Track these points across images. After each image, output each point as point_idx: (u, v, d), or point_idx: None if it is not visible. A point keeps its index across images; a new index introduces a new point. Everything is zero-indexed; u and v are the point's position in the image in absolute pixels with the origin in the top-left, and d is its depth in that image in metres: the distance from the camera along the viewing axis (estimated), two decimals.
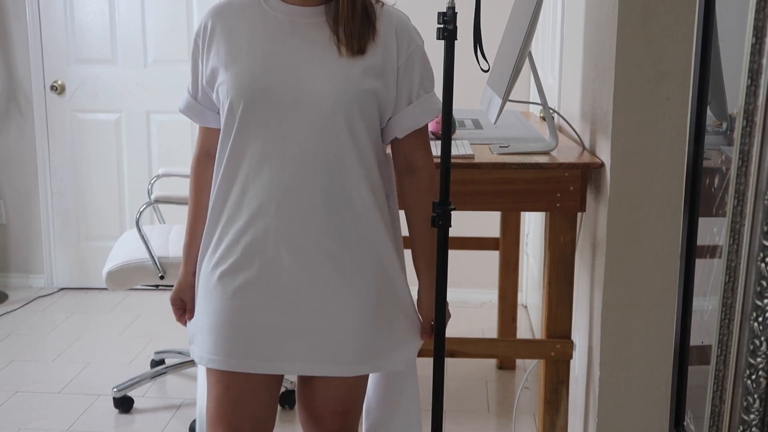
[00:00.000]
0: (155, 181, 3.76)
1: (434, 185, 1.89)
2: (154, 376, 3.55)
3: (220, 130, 1.88)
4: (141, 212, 3.17)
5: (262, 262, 1.80)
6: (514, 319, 3.70)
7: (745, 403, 1.13)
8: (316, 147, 1.76)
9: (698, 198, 1.53)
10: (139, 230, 3.12)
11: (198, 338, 1.88)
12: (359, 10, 1.76)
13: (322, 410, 1.95)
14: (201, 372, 2.06)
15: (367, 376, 1.96)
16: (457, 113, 3.11)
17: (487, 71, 2.01)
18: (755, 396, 1.12)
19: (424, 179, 1.91)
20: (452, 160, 1.96)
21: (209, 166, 1.93)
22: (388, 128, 1.88)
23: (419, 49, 1.84)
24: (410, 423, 2.04)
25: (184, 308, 2.00)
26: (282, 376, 1.92)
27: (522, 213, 3.88)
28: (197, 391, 2.87)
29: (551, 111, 2.73)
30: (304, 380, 1.96)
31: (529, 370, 3.33)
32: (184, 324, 2.01)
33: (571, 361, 2.62)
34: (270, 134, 1.77)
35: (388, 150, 1.96)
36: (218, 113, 1.89)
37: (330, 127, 1.76)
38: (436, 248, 1.84)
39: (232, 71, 1.78)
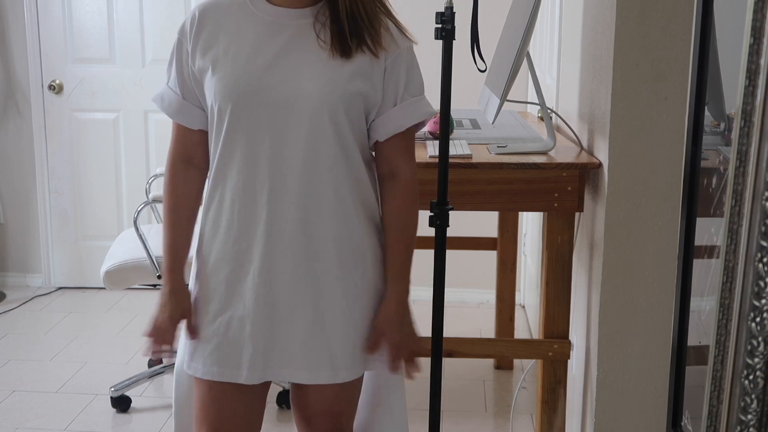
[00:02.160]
0: (153, 180, 3.76)
1: (413, 194, 1.84)
2: (151, 376, 3.55)
3: (201, 132, 1.86)
4: (139, 212, 3.17)
5: (255, 273, 1.79)
6: (511, 319, 3.71)
7: (742, 404, 1.13)
8: (304, 150, 1.75)
9: (696, 198, 1.53)
10: (137, 229, 3.12)
11: (196, 348, 1.87)
12: (360, 12, 1.74)
13: (313, 411, 1.95)
14: (177, 376, 2.03)
15: (360, 378, 1.96)
16: (455, 113, 3.12)
17: (483, 71, 2.02)
18: (753, 396, 1.12)
19: (403, 186, 1.84)
20: (450, 160, 1.96)
21: (189, 173, 1.88)
22: (372, 130, 1.84)
23: (407, 51, 1.81)
24: (396, 423, 2.04)
25: (170, 336, 1.86)
26: None
27: (520, 213, 3.88)
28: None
29: (549, 111, 2.73)
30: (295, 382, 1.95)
31: (527, 370, 3.33)
32: (161, 355, 1.89)
33: (569, 361, 2.63)
34: (258, 138, 1.76)
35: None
36: (205, 112, 1.86)
37: (317, 130, 1.74)
38: (407, 262, 1.82)
39: (219, 74, 1.77)
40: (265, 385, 1.92)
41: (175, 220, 1.88)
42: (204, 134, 1.86)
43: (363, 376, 1.97)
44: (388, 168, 1.86)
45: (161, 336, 1.85)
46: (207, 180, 1.86)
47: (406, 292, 1.85)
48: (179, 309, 1.85)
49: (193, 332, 1.85)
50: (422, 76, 1.84)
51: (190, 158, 1.88)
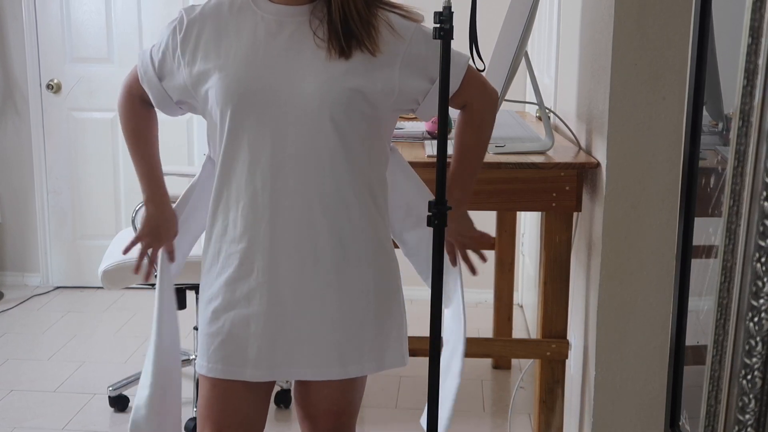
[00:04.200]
0: None
1: (483, 120, 1.95)
2: None
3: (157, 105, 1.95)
4: (137, 211, 3.16)
5: (261, 270, 1.79)
6: (509, 319, 3.70)
7: (740, 403, 1.13)
8: (306, 148, 1.75)
9: (694, 198, 1.53)
10: (135, 229, 3.11)
11: (202, 345, 1.87)
12: (352, 14, 1.74)
13: (316, 409, 1.96)
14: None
15: (364, 378, 1.96)
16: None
17: (482, 71, 2.01)
18: (751, 396, 1.12)
19: (472, 113, 1.93)
20: (448, 160, 1.96)
21: (144, 106, 1.97)
22: (425, 109, 1.88)
23: (418, 31, 1.81)
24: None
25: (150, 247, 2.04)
26: None
27: (518, 213, 3.88)
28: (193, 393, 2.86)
29: (547, 111, 2.72)
30: (299, 380, 1.96)
31: (525, 370, 3.34)
32: (144, 274, 2.05)
33: (567, 360, 2.62)
34: (260, 138, 1.76)
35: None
36: (178, 105, 1.91)
37: (318, 128, 1.75)
38: (470, 179, 1.99)
39: (220, 75, 1.77)
40: (270, 384, 1.92)
41: (143, 148, 2.01)
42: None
43: (366, 377, 1.97)
44: (461, 105, 1.94)
45: (146, 246, 2.05)
46: (213, 181, 1.86)
47: (465, 200, 2.01)
48: (156, 226, 2.04)
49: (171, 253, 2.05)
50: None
51: (143, 98, 1.97)
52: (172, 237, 2.03)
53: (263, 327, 1.80)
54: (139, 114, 1.99)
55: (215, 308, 1.83)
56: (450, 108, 1.92)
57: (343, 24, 1.74)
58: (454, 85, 1.86)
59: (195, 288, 3.05)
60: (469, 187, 2.01)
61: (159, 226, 2.03)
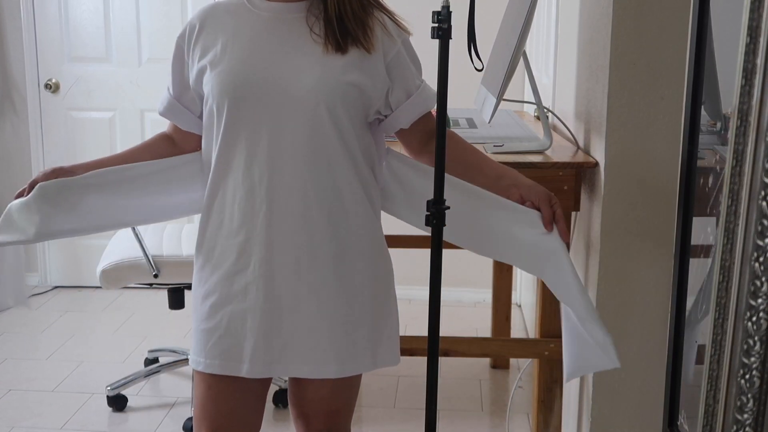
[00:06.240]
0: None
1: (453, 138, 1.94)
2: (147, 375, 3.55)
3: (192, 134, 1.93)
4: None
5: (258, 263, 1.79)
6: (507, 319, 3.71)
7: (738, 403, 1.13)
8: (302, 143, 1.76)
9: (692, 197, 1.53)
10: (133, 229, 3.11)
11: (199, 342, 1.88)
12: (347, 13, 1.76)
13: (309, 409, 1.96)
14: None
15: (359, 377, 1.96)
16: (451, 112, 3.11)
17: (481, 70, 2.01)
18: (749, 395, 1.12)
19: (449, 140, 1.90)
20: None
21: (167, 143, 1.98)
22: (392, 121, 1.88)
23: (404, 44, 1.85)
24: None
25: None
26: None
27: None
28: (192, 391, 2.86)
29: (545, 110, 2.72)
30: (293, 379, 1.96)
31: (523, 370, 3.34)
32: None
33: None
34: (256, 132, 1.77)
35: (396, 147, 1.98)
36: (200, 118, 1.91)
37: (314, 122, 1.76)
38: (492, 166, 1.94)
39: (216, 71, 1.79)
40: (265, 385, 1.92)
41: (132, 156, 1.95)
42: (188, 134, 1.95)
43: (361, 375, 1.97)
44: (426, 136, 1.93)
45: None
46: (208, 177, 1.86)
47: (509, 173, 1.95)
48: (50, 175, 1.86)
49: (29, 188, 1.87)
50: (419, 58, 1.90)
51: (177, 143, 1.98)
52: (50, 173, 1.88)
53: (259, 321, 1.80)
54: (156, 143, 2.00)
55: (213, 303, 1.83)
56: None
57: (338, 21, 1.76)
58: (414, 114, 1.89)
59: None
60: (494, 166, 1.97)
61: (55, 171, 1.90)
